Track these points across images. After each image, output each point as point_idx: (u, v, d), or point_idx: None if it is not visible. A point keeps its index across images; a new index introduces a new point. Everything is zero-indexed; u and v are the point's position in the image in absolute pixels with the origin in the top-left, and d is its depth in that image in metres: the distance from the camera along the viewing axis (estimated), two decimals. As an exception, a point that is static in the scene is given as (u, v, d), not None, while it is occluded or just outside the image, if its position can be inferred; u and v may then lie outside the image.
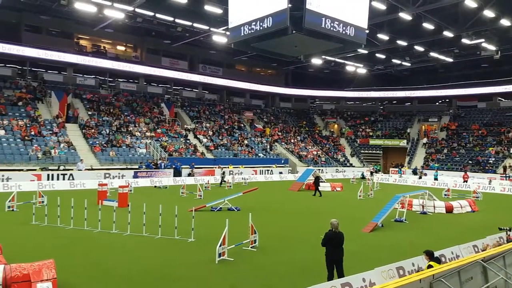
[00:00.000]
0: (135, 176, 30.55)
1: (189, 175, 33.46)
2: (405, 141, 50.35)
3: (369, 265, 9.25)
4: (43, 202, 17.50)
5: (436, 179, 36.17)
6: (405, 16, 29.78)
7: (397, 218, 16.99)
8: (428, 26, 31.86)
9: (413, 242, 13.17)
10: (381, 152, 51.10)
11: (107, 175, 29.27)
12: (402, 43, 37.50)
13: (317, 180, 26.20)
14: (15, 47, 35.61)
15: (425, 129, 52.12)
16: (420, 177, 38.14)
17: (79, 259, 10.46)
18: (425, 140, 49.81)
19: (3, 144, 28.79)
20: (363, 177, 39.54)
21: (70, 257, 10.50)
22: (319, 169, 37.67)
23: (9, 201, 17.51)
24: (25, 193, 21.31)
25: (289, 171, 41.38)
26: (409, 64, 47.49)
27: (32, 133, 31.08)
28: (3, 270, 7.58)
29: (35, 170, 27.43)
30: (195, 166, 34.93)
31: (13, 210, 17.30)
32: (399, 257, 9.88)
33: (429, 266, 8.00)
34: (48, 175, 27.12)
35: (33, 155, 28.73)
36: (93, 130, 34.94)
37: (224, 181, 30.67)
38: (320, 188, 28.18)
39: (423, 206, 19.56)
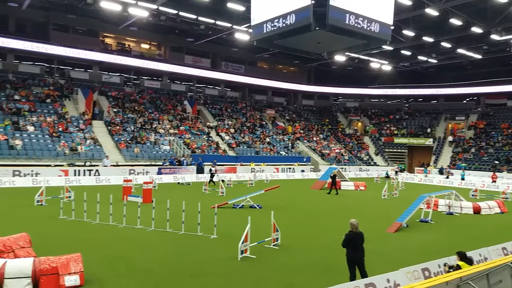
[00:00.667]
0: (159, 172, 30.97)
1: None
2: (431, 139, 49.29)
3: (393, 265, 9.11)
4: (70, 197, 17.96)
5: (463, 179, 35.31)
6: (432, 11, 29.11)
7: (422, 219, 16.65)
8: (456, 21, 31.04)
9: (439, 243, 12.89)
10: (406, 151, 50.18)
11: (131, 171, 29.79)
12: (428, 39, 36.68)
13: (334, 178, 25.96)
14: (43, 46, 36.56)
15: (451, 127, 50.89)
16: (447, 177, 37.29)
17: (104, 253, 10.68)
18: (450, 138, 48.63)
19: (32, 140, 29.66)
20: (387, 176, 38.94)
21: (96, 251, 10.73)
22: (342, 168, 37.32)
23: (38, 196, 18.04)
24: (53, 188, 21.92)
25: (311, 169, 41.14)
26: (435, 61, 46.40)
27: (60, 129, 31.90)
28: (33, 263, 7.81)
29: (62, 165, 28.17)
30: (217, 163, 35.09)
31: (41, 204, 17.81)
32: (424, 258, 9.68)
33: (457, 266, 7.81)
34: (75, 170, 27.81)
35: (61, 151, 29.50)
36: (118, 127, 35.60)
37: (213, 181, 28.24)
38: (343, 187, 27.99)
39: (449, 207, 19.10)
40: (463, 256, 8.05)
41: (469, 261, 8.08)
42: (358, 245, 8.34)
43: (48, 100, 35.21)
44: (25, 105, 33.04)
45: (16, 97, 33.69)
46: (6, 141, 28.19)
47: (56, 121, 32.82)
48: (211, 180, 28.19)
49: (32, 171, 26.28)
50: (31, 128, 30.77)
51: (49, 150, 29.33)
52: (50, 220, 14.60)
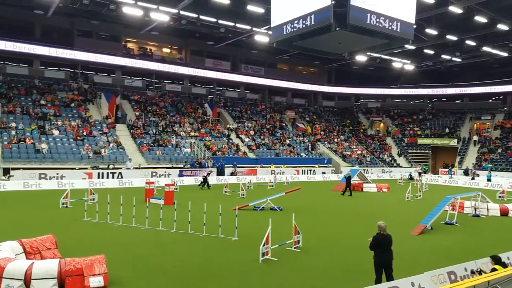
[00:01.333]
0: (180, 174, 31.25)
1: (232, 174, 33.80)
2: (455, 140, 48.19)
3: (418, 269, 8.92)
4: (94, 199, 18.34)
5: (489, 180, 34.33)
6: (456, 9, 28.49)
7: (447, 221, 16.27)
8: (481, 19, 30.31)
9: (465, 246, 12.56)
10: (430, 151, 49.20)
11: (153, 174, 30.18)
12: (452, 37, 35.92)
13: (349, 179, 25.65)
14: (68, 51, 37.52)
15: (477, 127, 49.63)
16: (472, 178, 36.34)
17: (128, 254, 10.82)
18: (475, 137, 47.40)
19: (57, 143, 30.39)
20: (411, 178, 38.24)
21: (119, 252, 10.89)
22: (364, 169, 36.82)
23: (63, 198, 18.44)
24: (77, 190, 22.38)
25: (333, 171, 40.78)
26: (459, 60, 45.35)
27: (84, 133, 32.58)
28: (59, 264, 7.97)
29: (86, 168, 28.77)
30: (237, 166, 35.25)
31: (66, 206, 18.20)
32: (450, 262, 9.45)
33: (493, 270, 7.60)
34: (98, 173, 28.36)
35: (85, 154, 30.13)
36: (140, 130, 36.13)
37: (206, 185, 27.54)
38: (365, 189, 27.69)
39: (475, 209, 18.61)
40: (498, 260, 7.80)
41: (504, 265, 7.83)
42: (387, 247, 8.19)
43: (73, 105, 36.05)
44: (50, 109, 33.92)
45: (42, 102, 34.63)
46: (32, 145, 28.97)
47: (80, 125, 33.55)
48: (203, 183, 27.52)
49: (57, 174, 26.92)
50: (56, 132, 31.54)
51: (73, 153, 29.99)
52: (75, 222, 14.90)
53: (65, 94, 37.33)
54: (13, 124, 30.46)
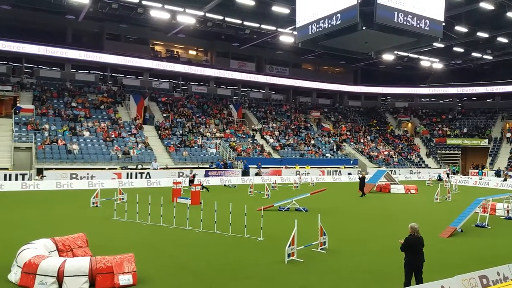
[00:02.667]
0: (206, 175, 31.56)
1: (257, 174, 33.88)
2: (486, 140, 46.70)
3: (448, 272, 8.73)
4: (123, 199, 18.75)
5: (523, 181, 33.12)
6: (486, 5, 27.67)
7: (478, 223, 15.80)
8: (513, 15, 29.29)
9: (497, 250, 12.18)
10: (460, 152, 47.88)
11: (180, 174, 30.59)
12: (482, 35, 34.87)
13: (363, 180, 25.22)
14: (98, 55, 38.55)
15: (509, 127, 47.93)
16: (505, 179, 35.13)
17: (156, 253, 11.03)
18: (509, 134, 45.77)
19: (87, 144, 31.26)
20: (439, 179, 37.31)
21: (148, 251, 11.11)
22: (391, 170, 36.21)
23: (94, 198, 18.95)
24: (107, 190, 22.90)
25: (359, 172, 40.23)
26: (490, 57, 43.91)
27: (113, 135, 33.35)
28: (90, 262, 8.21)
29: (115, 169, 29.47)
30: (262, 166, 35.31)
31: (97, 206, 18.69)
32: (481, 265, 9.19)
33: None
34: (127, 173, 29.00)
35: (114, 155, 30.85)
36: (167, 131, 36.72)
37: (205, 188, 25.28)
38: (392, 191, 27.28)
39: (508, 211, 18.00)
40: None
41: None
42: (419, 250, 8.04)
43: (102, 107, 36.99)
44: (81, 111, 34.93)
45: (73, 104, 35.70)
46: (64, 146, 29.90)
47: (109, 127, 34.38)
48: (202, 187, 23.64)
49: (87, 174, 27.70)
50: (86, 133, 32.45)
51: (103, 154, 30.77)
52: (105, 221, 15.29)
53: (95, 96, 38.36)
54: (46, 126, 31.52)
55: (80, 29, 40.30)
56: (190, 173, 25.38)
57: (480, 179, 37.10)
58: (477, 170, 41.79)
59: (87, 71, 41.63)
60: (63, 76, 39.64)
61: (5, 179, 25.49)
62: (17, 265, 8.43)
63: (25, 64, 38.56)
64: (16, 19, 36.70)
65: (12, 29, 35.99)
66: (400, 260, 8.19)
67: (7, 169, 26.94)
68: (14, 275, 8.42)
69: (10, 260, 8.98)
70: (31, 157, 28.86)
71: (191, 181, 23.90)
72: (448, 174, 38.94)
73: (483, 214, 16.49)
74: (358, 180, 26.06)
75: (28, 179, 25.99)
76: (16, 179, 25.92)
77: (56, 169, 27.73)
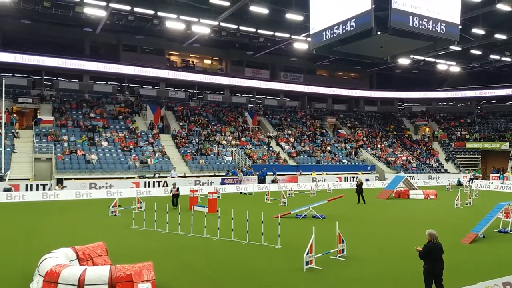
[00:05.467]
0: (222, 182, 31.64)
1: (273, 181, 33.80)
2: (507, 143, 45.69)
3: (470, 279, 8.54)
4: (141, 207, 18.93)
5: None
6: (504, 7, 27.25)
7: (501, 229, 15.42)
8: (532, 15, 28.78)
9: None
10: (480, 156, 46.94)
11: (197, 182, 30.73)
12: (500, 36, 34.28)
13: (360, 186, 24.76)
14: (115, 66, 39.29)
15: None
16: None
17: (174, 261, 11.08)
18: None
19: (106, 154, 31.72)
20: (459, 184, 36.59)
21: (166, 259, 11.16)
22: (410, 176, 35.67)
23: (112, 207, 19.17)
24: (125, 199, 23.22)
25: (377, 178, 39.79)
26: (509, 59, 43.07)
27: (131, 145, 33.77)
28: (109, 270, 8.28)
29: (133, 178, 29.81)
30: (277, 173, 35.21)
31: (115, 215, 18.89)
32: (505, 272, 8.97)
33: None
34: (145, 182, 29.26)
35: (132, 164, 31.22)
36: (184, 140, 37.02)
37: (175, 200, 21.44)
38: (411, 196, 26.89)
39: (532, 216, 17.51)
40: None
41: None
42: (438, 256, 7.90)
43: (120, 117, 37.55)
44: (99, 122, 35.53)
45: (92, 114, 36.34)
46: (83, 156, 30.40)
47: (127, 136, 34.85)
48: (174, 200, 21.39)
49: (106, 183, 28.06)
50: (105, 143, 32.95)
51: (121, 163, 31.17)
52: (124, 230, 15.43)
53: (112, 106, 38.99)
54: (65, 137, 32.13)
55: (98, 41, 41.15)
56: (174, 188, 21.91)
57: (501, 183, 36.26)
58: (498, 174, 40.88)
59: (105, 82, 42.41)
60: (81, 88, 40.46)
61: (26, 189, 26.02)
62: (39, 274, 8.56)
63: (44, 77, 39.49)
64: (36, 33, 37.75)
65: (32, 43, 37.06)
66: (420, 267, 8.04)
67: (28, 179, 27.52)
68: (36, 284, 8.55)
69: (33, 268, 9.15)
70: (51, 168, 29.43)
71: (176, 196, 21.29)
72: (471, 179, 38.15)
73: (505, 219, 16.08)
74: (355, 187, 25.34)
75: (49, 189, 26.47)
76: (37, 189, 26.43)
77: (75, 179, 28.20)
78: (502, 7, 27.19)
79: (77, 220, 17.81)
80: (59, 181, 27.34)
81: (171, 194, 22.09)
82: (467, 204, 23.58)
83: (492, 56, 42.07)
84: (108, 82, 42.60)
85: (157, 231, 14.82)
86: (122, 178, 29.62)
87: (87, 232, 14.95)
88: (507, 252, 12.47)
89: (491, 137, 47.83)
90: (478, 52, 40.70)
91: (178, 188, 21.92)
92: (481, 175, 43.78)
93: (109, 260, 9.90)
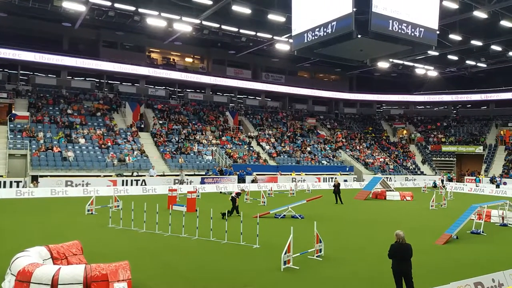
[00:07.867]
0: (202, 182, 31.50)
1: (253, 181, 33.83)
2: (481, 147, 46.98)
3: (443, 279, 8.74)
4: (118, 206, 18.67)
5: (518, 188, 33.25)
6: (480, 14, 28.00)
7: (473, 230, 15.85)
8: (506, 23, 29.68)
9: (492, 256, 12.21)
10: (455, 159, 48.13)
11: (176, 181, 30.49)
12: (476, 43, 35.25)
13: (337, 187, 25.16)
14: (94, 62, 38.61)
15: (503, 134, 48.26)
16: (497, 186, 35.30)
17: (151, 261, 10.97)
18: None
19: (83, 151, 31.15)
20: (435, 186, 37.45)
21: (143, 259, 11.05)
22: (387, 177, 36.28)
23: (89, 205, 18.84)
24: (102, 197, 22.83)
25: (355, 179, 40.32)
26: (485, 65, 44.39)
27: (109, 142, 33.24)
28: (84, 270, 8.14)
29: (111, 176, 29.33)
30: (257, 173, 35.28)
31: (92, 213, 18.58)
32: (476, 272, 9.22)
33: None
34: (123, 180, 28.86)
35: (109, 162, 30.74)
36: (163, 138, 36.67)
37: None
38: (388, 197, 27.32)
39: (503, 218, 18.07)
40: None
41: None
42: (405, 257, 8.08)
43: (98, 114, 36.91)
44: (77, 118, 34.84)
45: (69, 111, 35.61)
46: (59, 153, 29.77)
47: (105, 134, 34.29)
48: None
49: (83, 181, 27.55)
50: (82, 141, 32.33)
51: (98, 161, 30.65)
52: (100, 229, 15.19)
53: (90, 103, 38.29)
54: (41, 133, 31.39)
55: (77, 36, 40.31)
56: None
57: (476, 186, 37.27)
58: (473, 177, 41.96)
59: (83, 78, 41.60)
60: (59, 83, 39.58)
61: (-1, 187, 25.34)
62: (11, 273, 8.34)
63: (20, 71, 38.45)
64: (12, 26, 36.66)
65: (8, 36, 35.95)
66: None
67: (1, 176, 26.77)
68: (8, 283, 8.34)
69: (4, 268, 8.91)
70: (26, 164, 28.70)
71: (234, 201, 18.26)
72: (442, 181, 39.09)
73: (478, 221, 16.56)
74: (333, 188, 25.56)
75: (23, 187, 25.82)
76: (11, 186, 25.72)
77: (51, 176, 27.58)
78: (478, 14, 27.94)
79: (52, 218, 17.42)
80: (34, 178, 26.71)
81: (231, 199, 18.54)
82: (441, 205, 24.14)
83: (468, 62, 43.22)
84: (87, 78, 41.78)
85: (134, 230, 14.64)
86: (99, 176, 29.13)
87: (62, 230, 14.64)
88: (479, 253, 12.82)
89: (466, 141, 49.09)
90: (455, 58, 41.73)
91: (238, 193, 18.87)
92: (455, 177, 44.87)
93: (84, 259, 9.73)
